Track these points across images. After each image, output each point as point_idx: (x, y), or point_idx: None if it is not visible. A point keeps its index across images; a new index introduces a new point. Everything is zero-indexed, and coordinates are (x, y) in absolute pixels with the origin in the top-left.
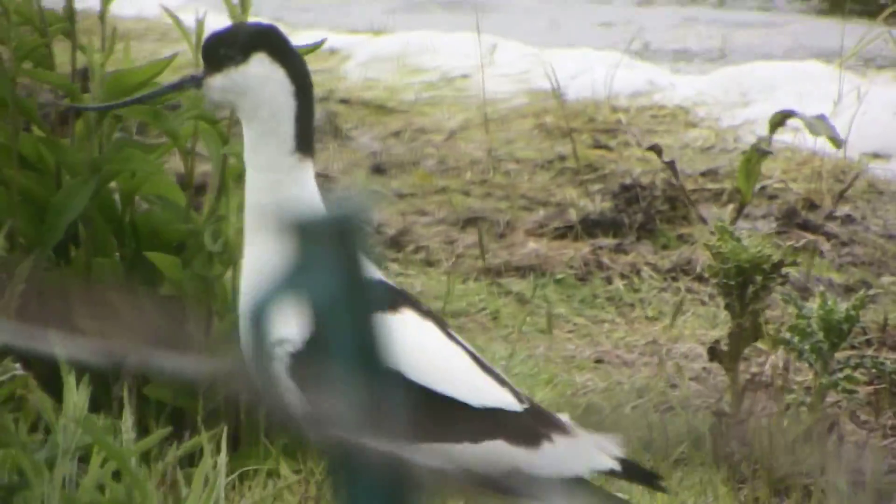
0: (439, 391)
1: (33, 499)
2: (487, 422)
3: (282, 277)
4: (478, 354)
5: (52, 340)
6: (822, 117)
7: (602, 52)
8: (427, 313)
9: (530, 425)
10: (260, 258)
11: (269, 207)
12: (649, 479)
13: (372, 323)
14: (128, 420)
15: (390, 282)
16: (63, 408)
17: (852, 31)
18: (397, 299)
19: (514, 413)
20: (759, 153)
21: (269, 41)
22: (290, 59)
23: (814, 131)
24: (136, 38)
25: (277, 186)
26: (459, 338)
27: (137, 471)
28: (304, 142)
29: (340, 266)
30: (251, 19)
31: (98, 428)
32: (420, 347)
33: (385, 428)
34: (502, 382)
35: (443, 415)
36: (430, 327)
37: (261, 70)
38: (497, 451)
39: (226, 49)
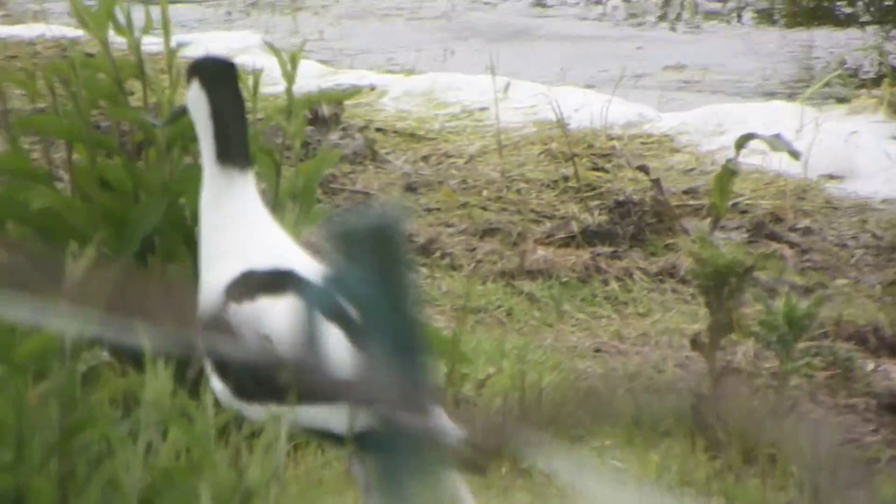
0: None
1: (118, 465)
2: (337, 387)
3: (331, 276)
4: (356, 333)
5: (136, 331)
6: (778, 135)
7: (600, 91)
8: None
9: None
10: (202, 242)
11: (201, 204)
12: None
13: (409, 318)
14: (208, 399)
15: (293, 267)
16: (146, 387)
17: (816, 62)
18: (278, 286)
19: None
20: (729, 170)
21: (201, 70)
22: (214, 85)
23: (774, 148)
24: None
25: (206, 188)
26: (347, 315)
27: (209, 443)
28: (225, 155)
29: (381, 268)
30: (303, 62)
31: (176, 407)
32: (289, 328)
33: (418, 406)
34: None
35: (307, 380)
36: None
37: (192, 94)
38: (342, 415)
39: (185, 77)
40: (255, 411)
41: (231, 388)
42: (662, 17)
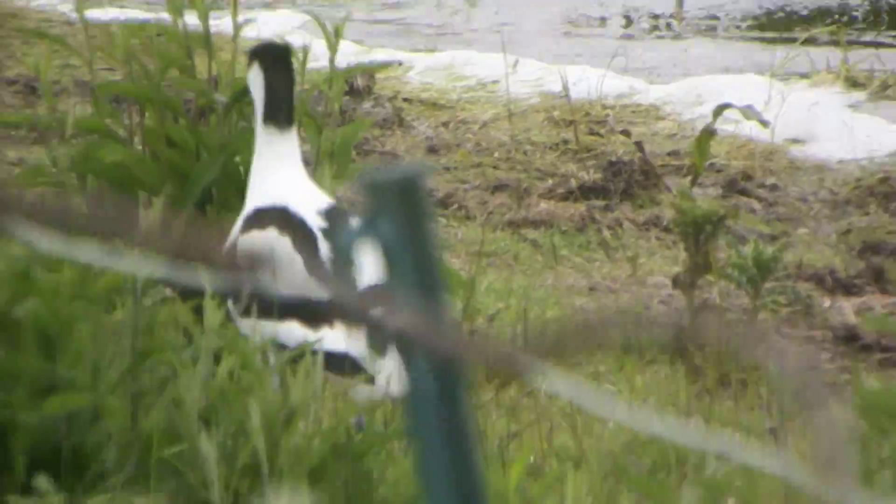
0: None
1: (181, 386)
2: (288, 306)
3: (361, 221)
4: (322, 266)
5: (195, 270)
6: (750, 106)
7: (596, 67)
8: (288, 229)
9: (318, 312)
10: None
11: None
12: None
13: (431, 260)
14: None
15: (288, 205)
16: (204, 319)
17: (778, 50)
18: (268, 220)
19: (311, 301)
20: (707, 133)
21: (260, 53)
22: (269, 67)
23: (748, 117)
24: None
25: (256, 146)
26: (318, 248)
27: (258, 368)
28: (269, 118)
29: (406, 217)
30: (341, 41)
31: (229, 336)
32: (267, 255)
33: (440, 337)
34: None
35: (264, 299)
36: (283, 242)
37: (253, 72)
38: (290, 328)
39: (248, 59)
40: (248, 326)
41: (234, 306)
42: (653, 29)
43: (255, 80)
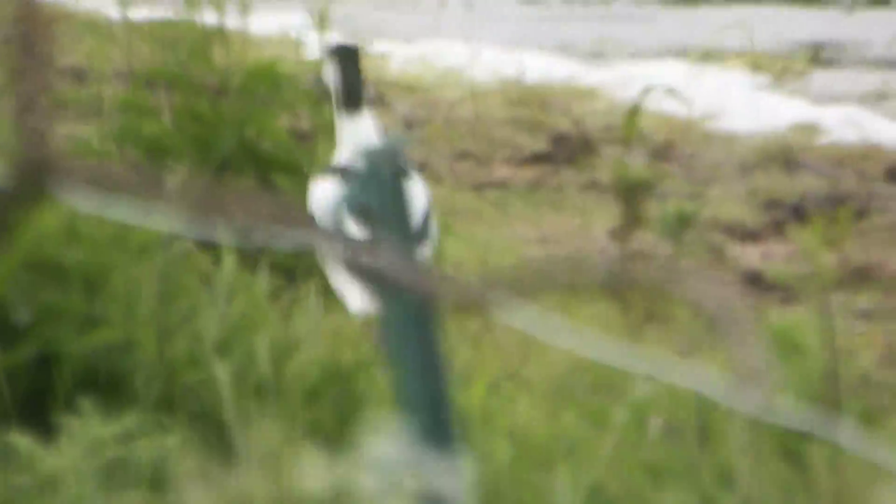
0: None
1: (200, 323)
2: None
3: (356, 180)
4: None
5: (213, 226)
6: (672, 88)
7: (546, 54)
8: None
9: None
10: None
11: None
12: None
13: (406, 209)
14: (264, 272)
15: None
16: (221, 266)
17: (701, 22)
18: (330, 174)
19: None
20: (636, 110)
21: (336, 52)
22: (342, 61)
23: (671, 96)
24: (258, 45)
25: (336, 125)
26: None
27: (264, 307)
28: (346, 105)
29: (389, 175)
30: (333, 34)
31: (240, 280)
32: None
33: (416, 275)
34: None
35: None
36: (329, 191)
37: (329, 67)
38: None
39: (324, 55)
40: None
41: None
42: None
43: (332, 74)
